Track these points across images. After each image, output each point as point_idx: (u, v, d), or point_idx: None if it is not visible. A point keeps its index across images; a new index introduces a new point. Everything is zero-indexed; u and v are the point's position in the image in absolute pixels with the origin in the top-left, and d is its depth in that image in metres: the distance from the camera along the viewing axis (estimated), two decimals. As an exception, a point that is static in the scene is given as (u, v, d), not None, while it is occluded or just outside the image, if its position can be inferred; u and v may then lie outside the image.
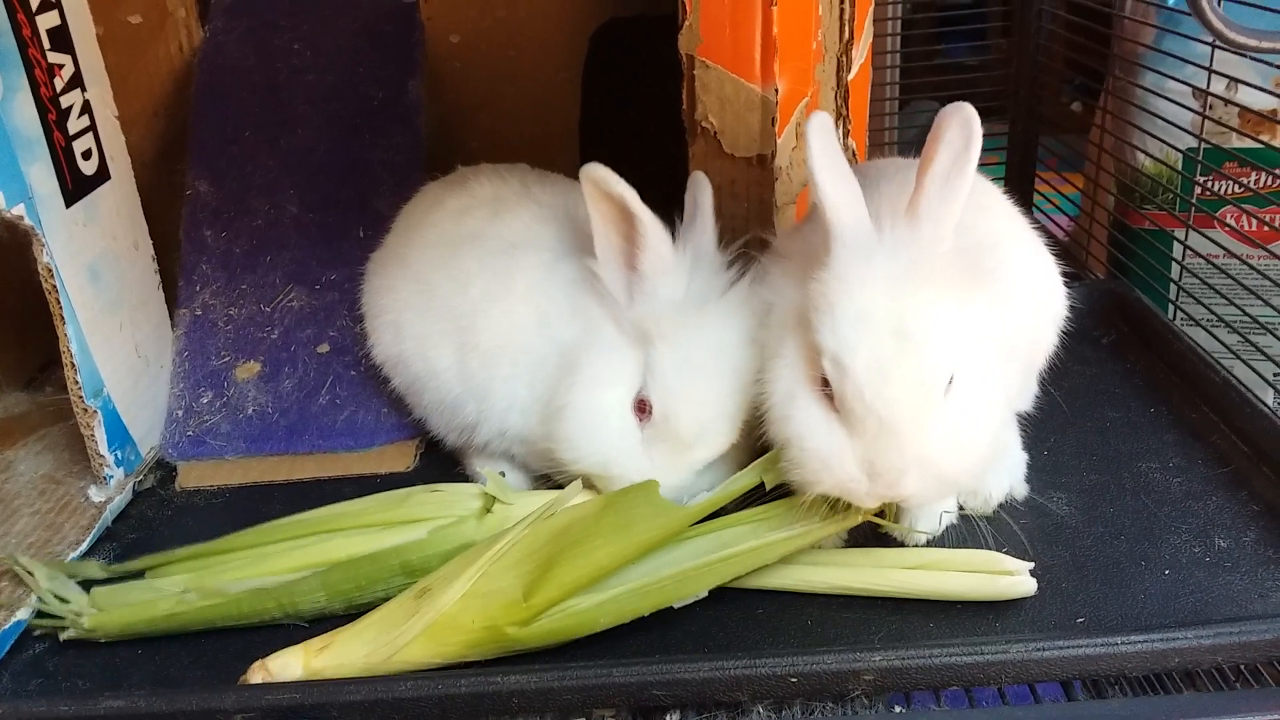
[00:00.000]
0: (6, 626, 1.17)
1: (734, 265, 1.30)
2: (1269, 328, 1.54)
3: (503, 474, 1.30)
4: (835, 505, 1.14)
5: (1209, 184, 1.70)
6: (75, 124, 1.34)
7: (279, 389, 1.56)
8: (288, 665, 1.10)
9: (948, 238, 1.07)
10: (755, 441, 1.24)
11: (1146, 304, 1.68)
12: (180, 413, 1.54)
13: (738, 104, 1.55)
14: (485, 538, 1.21)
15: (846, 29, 1.68)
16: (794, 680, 1.03)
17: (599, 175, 1.17)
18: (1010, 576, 1.14)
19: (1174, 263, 1.78)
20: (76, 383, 1.34)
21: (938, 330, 1.05)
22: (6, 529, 1.36)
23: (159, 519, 1.44)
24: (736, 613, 1.16)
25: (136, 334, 1.49)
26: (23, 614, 1.20)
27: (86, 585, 1.24)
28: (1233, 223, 1.73)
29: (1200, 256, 1.68)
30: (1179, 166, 1.76)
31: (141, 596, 1.21)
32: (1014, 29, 2.29)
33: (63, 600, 1.21)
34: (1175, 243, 1.76)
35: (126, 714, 1.05)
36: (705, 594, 1.14)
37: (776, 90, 1.53)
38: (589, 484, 1.25)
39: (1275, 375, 1.61)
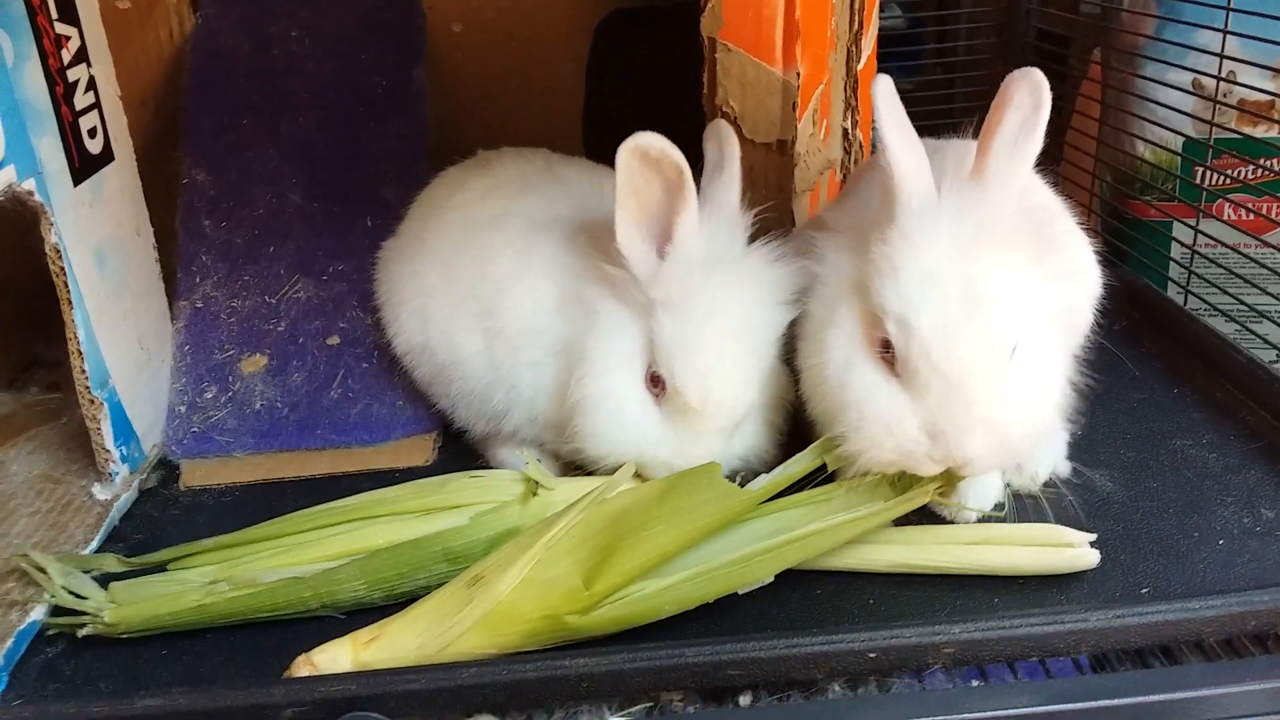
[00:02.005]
0: (21, 627, 1.10)
1: (756, 227, 1.26)
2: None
3: (539, 460, 1.26)
4: (896, 482, 1.12)
5: (1222, 172, 1.72)
6: (81, 100, 1.27)
7: (287, 382, 1.50)
8: (335, 659, 1.04)
9: (1013, 202, 1.07)
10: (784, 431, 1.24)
11: (1157, 291, 1.70)
12: (183, 408, 1.47)
13: (759, 88, 1.53)
14: (529, 523, 1.17)
15: (856, 18, 1.68)
16: (872, 655, 1.00)
17: (655, 144, 1.13)
18: (1072, 549, 1.12)
19: (1181, 246, 1.80)
20: (83, 371, 1.26)
21: (1005, 293, 1.05)
22: (6, 529, 1.27)
23: (166, 518, 1.37)
24: (796, 594, 1.13)
25: (139, 324, 1.42)
26: (37, 614, 1.13)
27: (103, 582, 1.17)
28: (1231, 211, 1.77)
29: (1226, 245, 1.70)
30: (1179, 158, 1.79)
31: (165, 590, 1.14)
32: (1001, 41, 2.32)
33: (79, 597, 1.13)
34: (1181, 228, 1.79)
35: (165, 713, 0.98)
36: (771, 579, 1.11)
37: (798, 74, 1.52)
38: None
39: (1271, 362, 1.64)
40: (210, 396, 1.48)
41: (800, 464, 1.14)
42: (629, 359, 1.21)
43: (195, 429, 1.45)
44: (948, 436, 1.05)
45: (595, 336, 1.22)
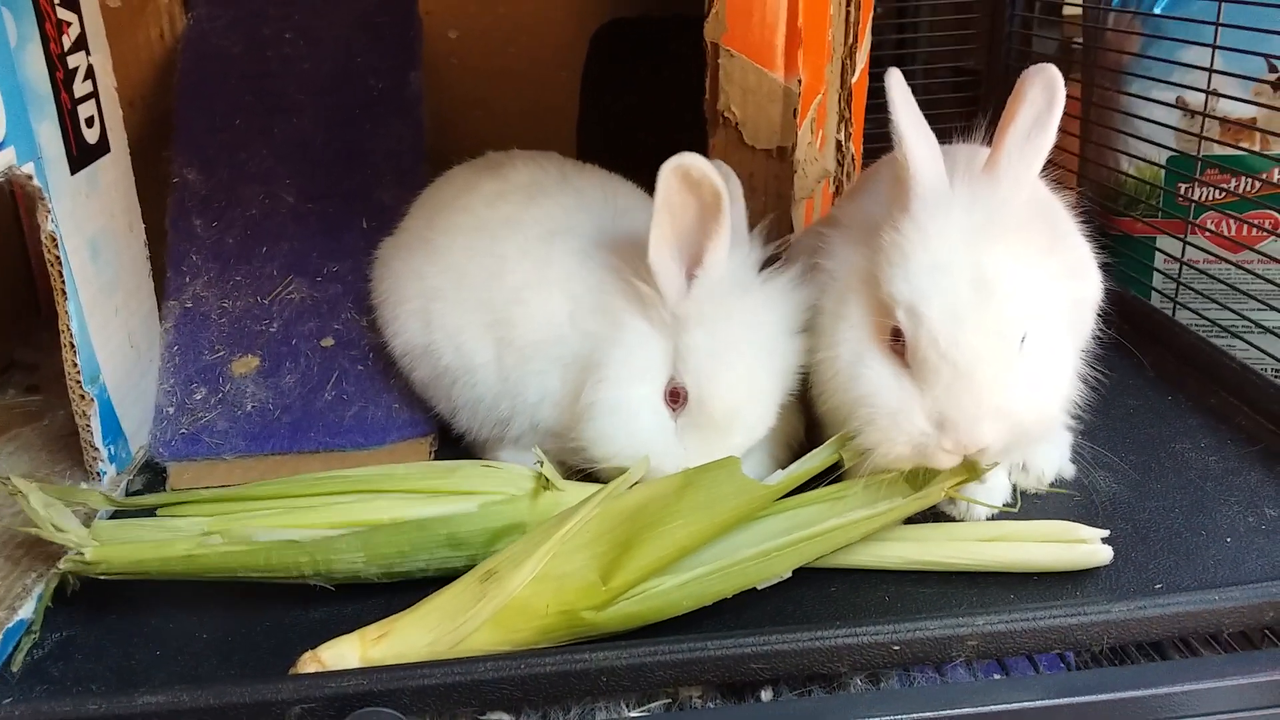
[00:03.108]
0: (10, 625, 1.05)
1: (770, 254, 1.27)
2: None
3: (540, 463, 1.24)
4: (911, 479, 1.12)
5: (1212, 185, 1.76)
6: (80, 87, 1.24)
7: (280, 384, 1.46)
8: (343, 655, 1.01)
9: (1025, 194, 1.08)
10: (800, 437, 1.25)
11: (1145, 302, 1.73)
12: (171, 410, 1.43)
13: (760, 94, 1.54)
14: (537, 520, 1.14)
15: (851, 31, 1.70)
16: (896, 648, 0.99)
17: (698, 165, 1.12)
18: (1085, 545, 1.13)
19: (1167, 260, 1.83)
20: (75, 365, 1.23)
21: (1015, 282, 1.06)
22: (-12, 529, 1.22)
23: (154, 520, 1.32)
24: (811, 592, 1.12)
25: (129, 321, 1.38)
26: (24, 612, 1.08)
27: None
28: (1213, 224, 1.80)
29: (1224, 260, 1.74)
30: (1164, 173, 1.82)
31: (153, 535, 1.09)
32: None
33: (60, 530, 1.08)
34: (1171, 241, 1.82)
35: (166, 711, 0.94)
36: (789, 575, 1.09)
37: (799, 81, 1.53)
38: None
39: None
40: (200, 398, 1.44)
41: (817, 458, 1.14)
42: (649, 372, 1.20)
43: (184, 430, 1.41)
44: (958, 425, 1.05)
45: (616, 347, 1.21)
